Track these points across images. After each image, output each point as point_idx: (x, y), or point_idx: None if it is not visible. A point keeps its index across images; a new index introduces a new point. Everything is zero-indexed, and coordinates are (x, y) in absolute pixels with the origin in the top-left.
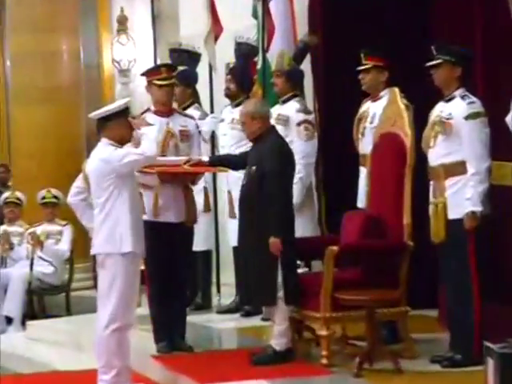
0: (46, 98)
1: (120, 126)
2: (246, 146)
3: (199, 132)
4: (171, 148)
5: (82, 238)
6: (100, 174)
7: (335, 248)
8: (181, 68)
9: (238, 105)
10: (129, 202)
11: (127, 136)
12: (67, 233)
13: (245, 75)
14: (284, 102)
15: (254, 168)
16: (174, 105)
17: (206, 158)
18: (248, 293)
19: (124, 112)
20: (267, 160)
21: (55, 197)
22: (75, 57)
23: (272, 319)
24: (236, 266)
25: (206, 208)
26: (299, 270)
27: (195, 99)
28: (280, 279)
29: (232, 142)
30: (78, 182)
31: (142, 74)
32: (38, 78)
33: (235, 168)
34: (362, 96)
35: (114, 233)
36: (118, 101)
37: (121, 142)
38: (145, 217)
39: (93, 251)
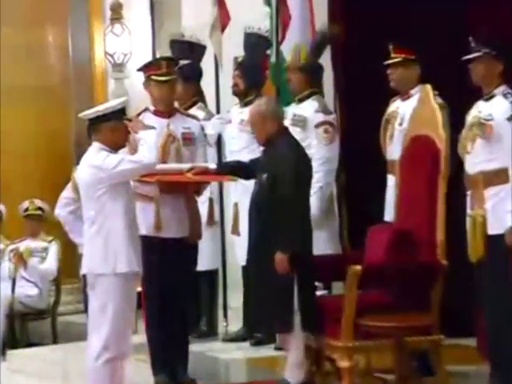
0: (29, 97)
1: (114, 129)
2: (257, 150)
3: (204, 135)
4: (172, 153)
5: (70, 255)
6: (91, 182)
7: (359, 267)
8: (183, 62)
9: (247, 104)
10: (123, 215)
11: (122, 140)
12: (53, 250)
13: (255, 71)
14: (300, 100)
15: (264, 176)
16: (176, 104)
17: (212, 166)
18: (258, 318)
19: (119, 112)
20: (280, 166)
21: (40, 209)
22: (63, 50)
23: (286, 348)
24: (245, 287)
25: (211, 221)
26: (317, 293)
27: (199, 98)
28: (295, 302)
29: (241, 146)
30: (67, 192)
31: (139, 69)
32: (21, 75)
33: (247, 177)
34: (390, 94)
35: (107, 250)
36: (111, 100)
37: (115, 146)
38: (142, 232)
39: (83, 270)
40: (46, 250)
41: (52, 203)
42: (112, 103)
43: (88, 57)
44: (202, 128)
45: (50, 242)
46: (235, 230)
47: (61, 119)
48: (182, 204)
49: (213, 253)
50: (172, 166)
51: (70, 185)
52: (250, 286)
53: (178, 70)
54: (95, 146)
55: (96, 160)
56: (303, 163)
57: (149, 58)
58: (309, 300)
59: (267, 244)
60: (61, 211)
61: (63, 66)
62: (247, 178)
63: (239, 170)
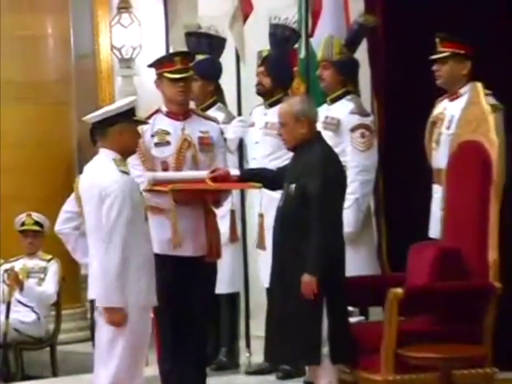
0: (26, 96)
1: (124, 132)
2: (284, 157)
3: (224, 140)
4: (188, 160)
5: (72, 275)
6: (97, 196)
7: (400, 290)
8: (200, 57)
9: (272, 104)
10: (137, 235)
11: (133, 144)
12: (53, 270)
13: (282, 67)
14: (333, 100)
15: (293, 186)
16: (192, 105)
17: (235, 171)
18: (282, 348)
19: (128, 114)
20: (310, 176)
21: (38, 223)
22: (64, 43)
23: (316, 383)
24: (268, 312)
25: (234, 237)
26: (352, 319)
27: (218, 97)
28: (324, 330)
29: (265, 152)
30: (69, 205)
31: (150, 65)
32: (17, 70)
33: (272, 186)
34: (436, 93)
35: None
36: (118, 100)
37: (125, 152)
38: (154, 250)
39: (90, 295)
40: (44, 270)
41: (51, 217)
42: (120, 103)
43: (92, 51)
44: (222, 132)
45: (49, 260)
46: (261, 244)
47: (60, 121)
48: (199, 217)
49: (234, 274)
50: (187, 173)
51: (72, 196)
52: (273, 310)
53: (194, 66)
54: (103, 153)
55: (103, 177)
56: (336, 173)
57: (161, 52)
58: (340, 327)
59: (293, 264)
60: (62, 227)
61: (64, 61)
62: (273, 188)
63: (264, 179)
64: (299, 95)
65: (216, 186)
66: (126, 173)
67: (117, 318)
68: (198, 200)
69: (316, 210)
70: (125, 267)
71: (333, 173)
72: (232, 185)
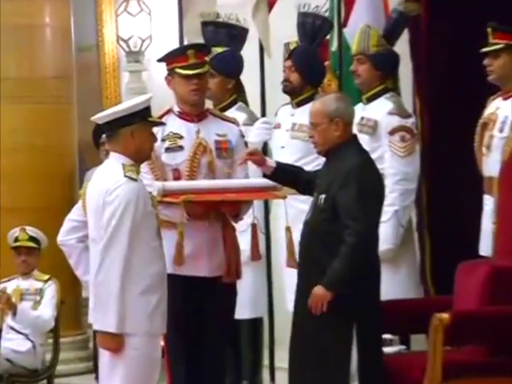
0: (21, 94)
1: (136, 135)
2: (313, 164)
3: (245, 144)
4: (203, 168)
5: (72, 298)
6: (100, 204)
7: (446, 316)
8: (218, 50)
9: (301, 103)
10: (145, 251)
11: (148, 148)
12: (50, 292)
13: (312, 61)
14: (370, 99)
15: (322, 197)
16: (208, 104)
17: (272, 162)
18: (305, 381)
19: (143, 114)
20: (342, 186)
21: (33, 239)
22: (64, 33)
23: None
24: (292, 338)
25: (256, 255)
26: (391, 349)
27: (239, 96)
28: (355, 363)
29: (293, 157)
30: (75, 214)
31: (161, 60)
32: (11, 65)
33: (307, 191)
34: (487, 91)
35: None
36: (126, 98)
37: (137, 157)
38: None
39: (90, 318)
40: (40, 291)
41: (49, 231)
42: (134, 102)
43: (95, 43)
44: (242, 135)
45: (46, 281)
46: (291, 262)
47: (60, 123)
48: (216, 232)
49: (256, 296)
50: (202, 182)
51: (79, 204)
52: (296, 338)
53: (210, 61)
54: (112, 158)
55: (107, 184)
56: (373, 181)
57: (173, 44)
58: (373, 360)
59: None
60: (66, 238)
61: (63, 55)
62: (307, 193)
63: (300, 180)
64: (333, 93)
65: (234, 197)
66: (134, 179)
67: (111, 344)
68: (215, 213)
69: (347, 224)
70: (128, 288)
71: (369, 182)
72: (253, 195)
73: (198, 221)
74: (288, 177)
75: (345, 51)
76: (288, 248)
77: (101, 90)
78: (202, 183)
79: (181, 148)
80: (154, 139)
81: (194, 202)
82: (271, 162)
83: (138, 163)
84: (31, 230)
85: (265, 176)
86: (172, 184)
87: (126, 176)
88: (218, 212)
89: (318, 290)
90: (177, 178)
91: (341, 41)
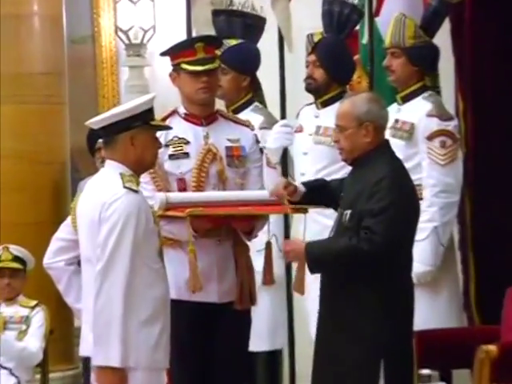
0: (5, 92)
1: (137, 141)
2: (341, 172)
3: (260, 150)
4: (212, 177)
5: (62, 327)
6: (94, 220)
7: (493, 348)
8: (231, 43)
9: (326, 103)
10: (147, 273)
11: (148, 157)
12: (38, 320)
13: (339, 55)
14: (405, 99)
15: (347, 213)
16: (219, 105)
17: (300, 188)
18: None
19: (145, 117)
20: (370, 200)
21: (18, 259)
22: (54, 23)
23: None
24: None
25: (267, 279)
26: None
27: (255, 95)
28: None
29: (317, 165)
30: (64, 232)
31: (164, 53)
32: None
33: (331, 201)
34: None
35: None
36: (125, 98)
37: (138, 166)
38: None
39: (82, 351)
40: (26, 320)
41: (37, 250)
42: (135, 103)
43: (90, 34)
44: (258, 140)
45: (32, 308)
46: (298, 287)
47: (50, 125)
48: (227, 252)
49: (274, 325)
50: (211, 194)
51: (68, 220)
52: (317, 372)
53: (222, 55)
54: (109, 167)
55: (103, 196)
56: (407, 195)
57: (180, 36)
58: None
59: (345, 314)
60: (53, 260)
61: (53, 48)
62: (333, 206)
63: (329, 194)
64: (363, 92)
65: (248, 211)
66: (134, 190)
67: (112, 380)
68: (225, 229)
69: (376, 244)
70: (130, 316)
71: (402, 196)
72: (269, 208)
73: (206, 238)
74: (317, 197)
75: (377, 44)
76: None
77: (97, 88)
78: (210, 195)
79: (187, 155)
80: (158, 146)
81: (201, 216)
82: (300, 186)
83: (138, 173)
84: (16, 249)
85: (291, 203)
86: (176, 195)
87: (125, 187)
88: (229, 228)
89: (300, 246)
90: (182, 188)
91: (372, 32)
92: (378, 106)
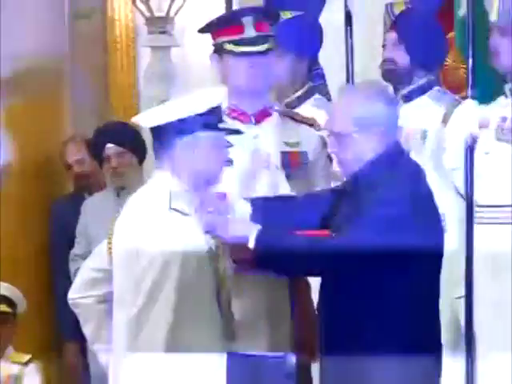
0: None
1: (198, 148)
2: None
3: (329, 157)
4: (264, 187)
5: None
6: (132, 250)
7: None
8: (285, 16)
9: (410, 96)
10: (199, 322)
11: (214, 170)
12: (31, 380)
13: (427, 32)
14: None
15: None
16: (272, 97)
17: None
18: None
19: (211, 118)
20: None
21: (6, 300)
22: None
23: None
24: None
25: None
26: None
27: (317, 84)
28: None
29: None
30: (96, 261)
31: (203, 30)
32: None
33: None
34: None
35: None
36: (146, 86)
37: (198, 181)
38: None
39: None
40: (16, 379)
41: (25, 286)
42: (200, 99)
43: (99, 6)
44: (324, 142)
45: (25, 364)
46: None
47: (45, 124)
48: (280, 291)
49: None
50: None
51: (103, 246)
52: None
53: (276, 33)
54: (157, 179)
55: (143, 220)
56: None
57: (219, 7)
58: None
59: (357, 340)
60: (83, 294)
61: (52, 24)
62: None
63: None
64: (374, 84)
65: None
66: (184, 213)
67: None
68: None
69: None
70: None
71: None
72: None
73: (251, 272)
74: None
75: (478, 18)
76: None
77: (107, 74)
78: None
79: (229, 163)
80: (225, 155)
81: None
82: None
83: (195, 188)
84: (4, 287)
85: None
86: None
87: (172, 208)
88: None
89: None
90: None
91: (472, 3)
92: (383, 102)
